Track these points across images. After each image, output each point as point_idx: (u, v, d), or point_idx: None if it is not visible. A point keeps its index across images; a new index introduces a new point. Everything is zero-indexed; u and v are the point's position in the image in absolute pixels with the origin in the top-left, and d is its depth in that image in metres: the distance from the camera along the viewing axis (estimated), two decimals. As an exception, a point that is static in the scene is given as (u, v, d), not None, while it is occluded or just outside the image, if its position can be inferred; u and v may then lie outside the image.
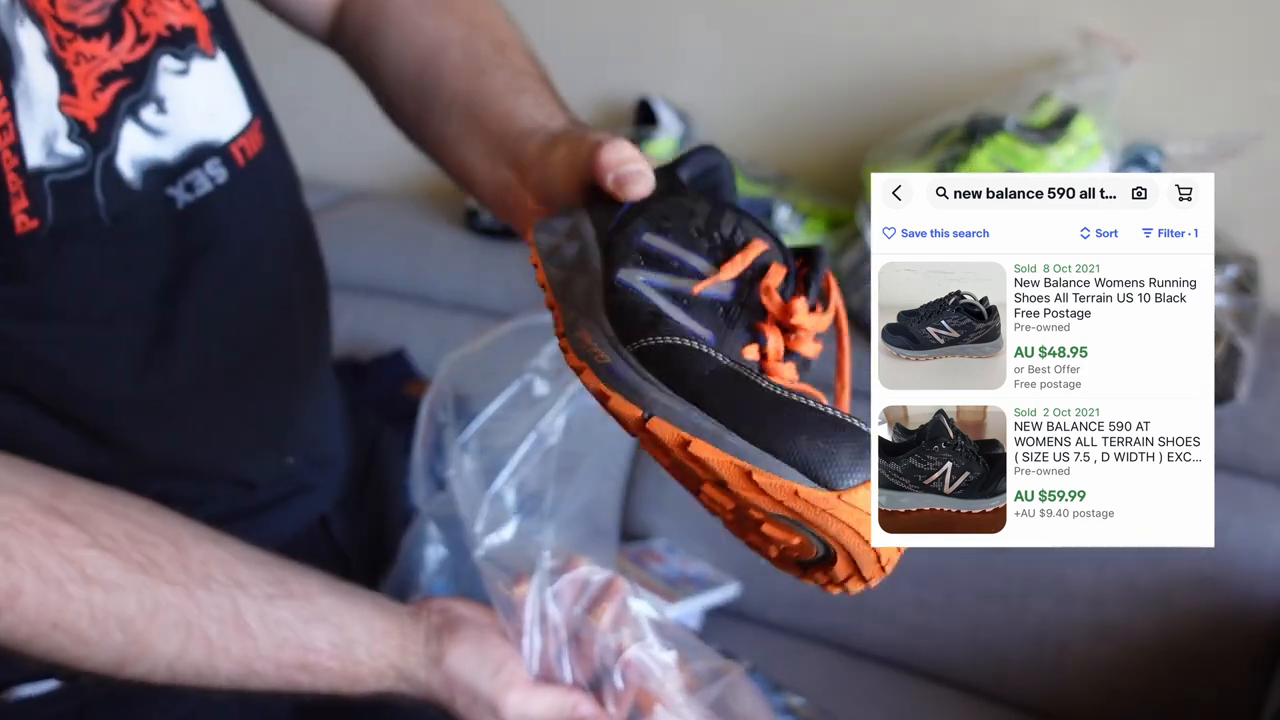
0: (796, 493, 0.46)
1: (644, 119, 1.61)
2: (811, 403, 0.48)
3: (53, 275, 0.63)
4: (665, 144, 1.57)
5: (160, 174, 0.70)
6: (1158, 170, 1.29)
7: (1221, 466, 1.23)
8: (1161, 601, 1.21)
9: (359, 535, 0.92)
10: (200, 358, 0.73)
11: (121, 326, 0.68)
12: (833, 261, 1.44)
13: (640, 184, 0.56)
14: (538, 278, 0.60)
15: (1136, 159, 1.30)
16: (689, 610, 1.36)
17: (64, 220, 0.63)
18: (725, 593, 1.40)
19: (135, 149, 0.68)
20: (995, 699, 1.31)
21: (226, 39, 0.77)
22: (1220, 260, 1.22)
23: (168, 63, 0.71)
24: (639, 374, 0.51)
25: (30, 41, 0.62)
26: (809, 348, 0.55)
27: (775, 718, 0.74)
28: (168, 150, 0.70)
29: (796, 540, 0.52)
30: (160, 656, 0.59)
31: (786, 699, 1.20)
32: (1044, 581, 1.26)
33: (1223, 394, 1.14)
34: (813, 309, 0.55)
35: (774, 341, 0.54)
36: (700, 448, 0.48)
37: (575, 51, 1.75)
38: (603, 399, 0.52)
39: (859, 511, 0.47)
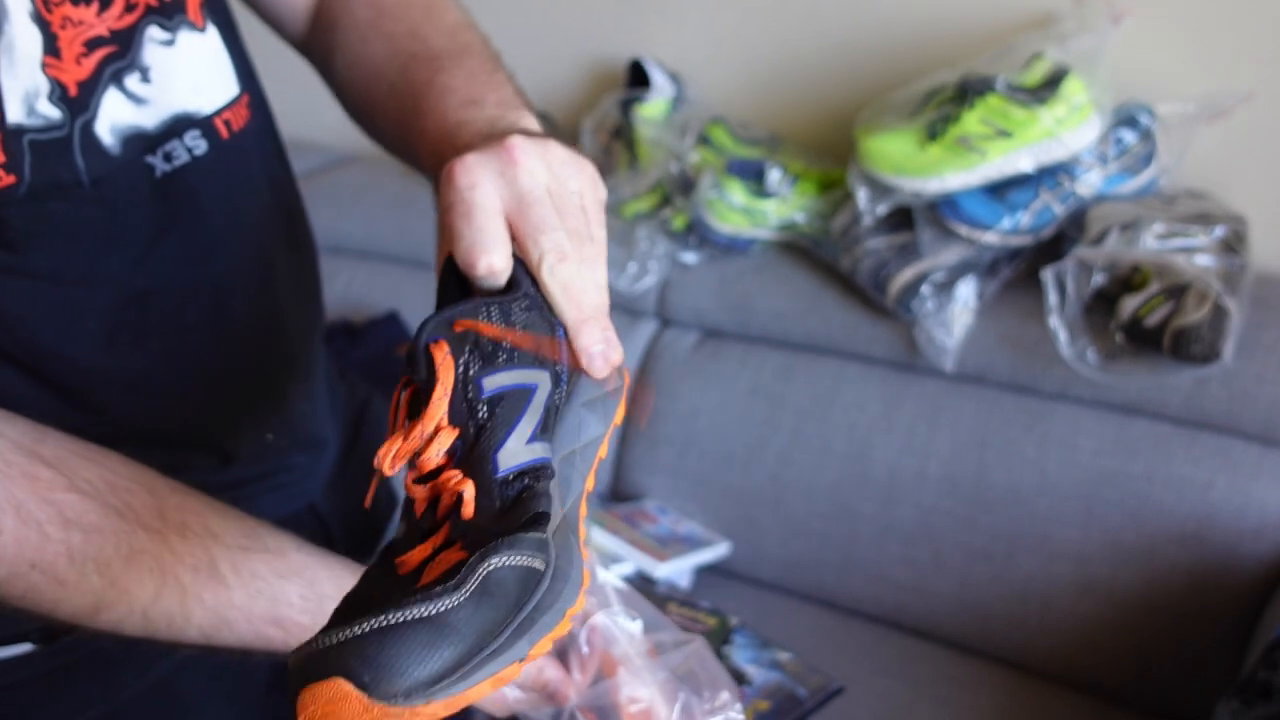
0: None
1: (637, 80, 1.60)
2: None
3: (28, 234, 0.64)
4: (658, 105, 1.57)
5: (140, 142, 0.70)
6: (1148, 131, 1.29)
7: (1206, 425, 1.24)
8: (1145, 558, 1.23)
9: (348, 512, 0.92)
10: (173, 327, 0.73)
11: (94, 290, 0.69)
12: (824, 223, 1.44)
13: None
14: None
15: (1127, 119, 1.30)
16: (680, 568, 1.38)
17: (42, 180, 0.63)
18: (716, 551, 1.42)
19: (115, 116, 0.68)
20: (981, 654, 1.33)
21: (218, 12, 0.77)
22: (1209, 220, 1.23)
23: (154, 32, 0.71)
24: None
25: (16, 2, 0.62)
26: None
27: (735, 685, 0.73)
28: (149, 119, 0.70)
29: None
30: (135, 601, 0.59)
31: (775, 654, 1.22)
32: (1029, 540, 1.28)
33: (1209, 354, 1.15)
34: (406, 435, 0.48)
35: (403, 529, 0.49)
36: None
37: (568, 14, 1.74)
38: None
39: None
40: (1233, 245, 1.21)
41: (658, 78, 1.58)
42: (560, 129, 1.78)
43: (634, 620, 0.72)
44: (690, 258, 1.53)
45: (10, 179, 0.62)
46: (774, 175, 1.45)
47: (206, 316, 0.75)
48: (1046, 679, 1.29)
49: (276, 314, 0.83)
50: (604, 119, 1.61)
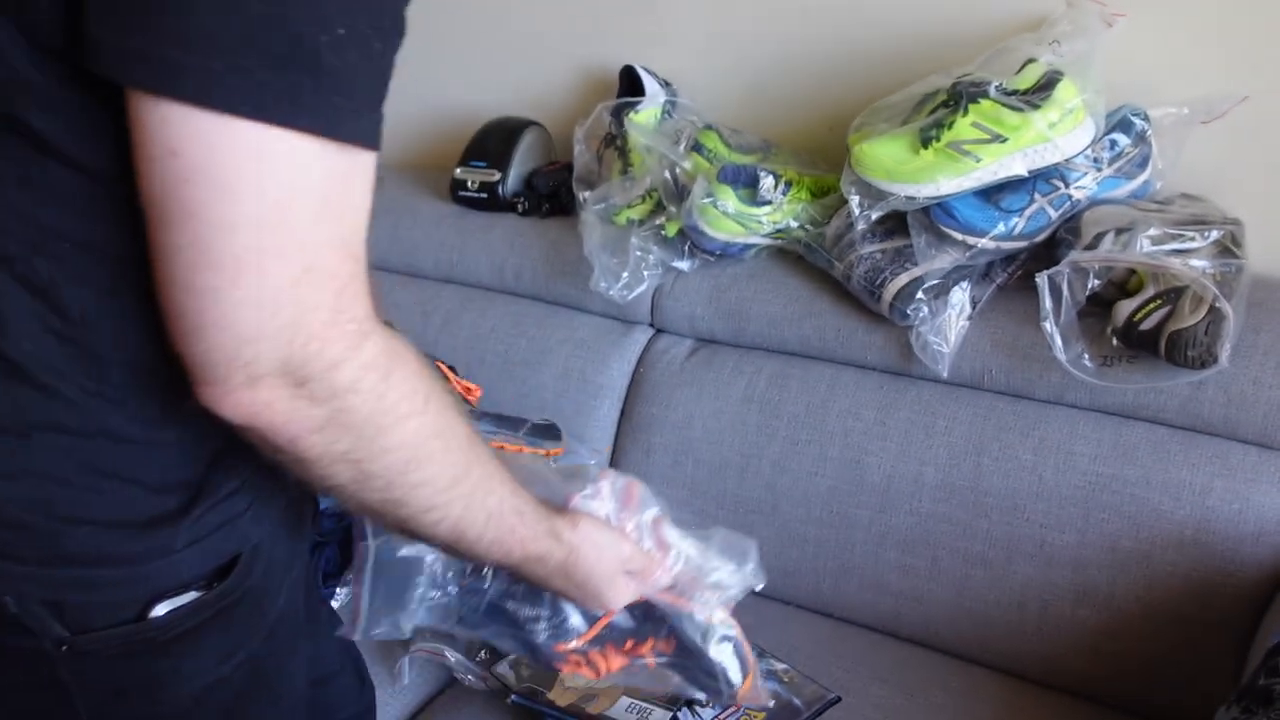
0: None
1: (629, 88, 1.60)
2: None
3: None
4: (651, 112, 1.56)
5: None
6: (1142, 135, 1.29)
7: (1204, 430, 1.24)
8: (1143, 564, 1.22)
9: None
10: None
11: None
12: (818, 229, 1.44)
13: None
14: None
15: (1121, 123, 1.29)
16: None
17: None
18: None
19: None
20: (979, 662, 1.32)
21: None
22: (1204, 223, 1.22)
23: None
24: None
25: None
26: None
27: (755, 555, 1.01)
28: None
29: None
30: (460, 491, 0.72)
31: (771, 664, 1.21)
32: (1027, 546, 1.27)
33: (1205, 358, 1.14)
34: None
35: None
36: None
37: (561, 21, 1.74)
38: None
39: None
40: (1228, 248, 1.20)
41: (650, 85, 1.58)
42: (553, 136, 1.77)
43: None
44: (684, 265, 1.52)
45: None
46: (767, 182, 1.45)
47: None
48: (1044, 686, 1.28)
49: None
50: (596, 126, 1.60)
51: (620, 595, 0.89)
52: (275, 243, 0.56)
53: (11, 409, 0.64)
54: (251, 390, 0.59)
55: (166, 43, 0.53)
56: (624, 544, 0.90)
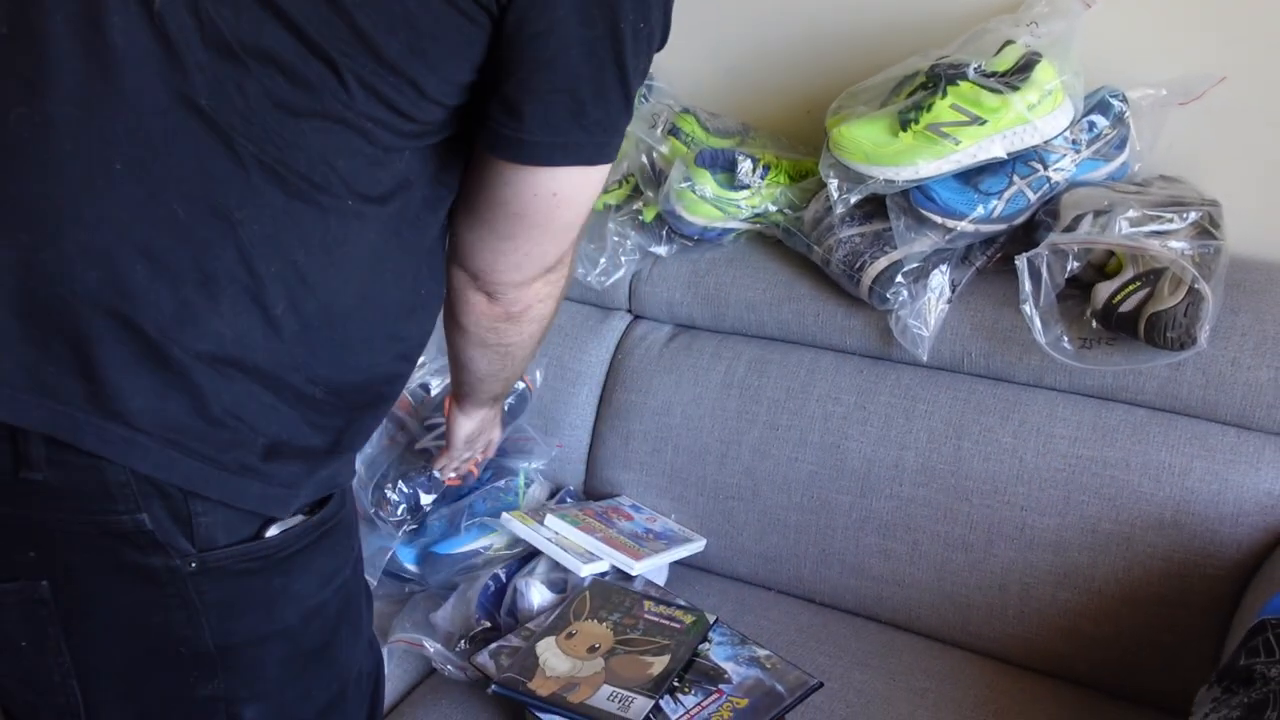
0: None
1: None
2: None
3: None
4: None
5: None
6: (1120, 116, 1.29)
7: (1183, 411, 1.24)
8: (1123, 545, 1.22)
9: None
10: None
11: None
12: (797, 214, 1.43)
13: None
14: None
15: (1099, 104, 1.29)
16: (656, 565, 1.36)
17: None
18: (692, 547, 1.40)
19: None
20: (960, 645, 1.32)
21: None
22: (1182, 205, 1.22)
23: None
24: None
25: None
26: None
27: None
28: None
29: None
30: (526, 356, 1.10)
31: (753, 651, 1.20)
32: (1007, 529, 1.27)
33: (1184, 339, 1.14)
34: None
35: None
36: None
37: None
38: None
39: None
40: (1207, 230, 1.20)
41: (626, 68, 1.56)
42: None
43: None
44: (661, 250, 1.51)
45: None
46: (745, 165, 1.44)
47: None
48: (1026, 668, 1.28)
49: None
50: (572, 110, 1.58)
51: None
52: (578, 226, 0.93)
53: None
54: (531, 284, 0.96)
55: (574, 134, 0.83)
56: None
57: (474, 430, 1.28)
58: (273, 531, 0.82)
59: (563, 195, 0.87)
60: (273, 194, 0.76)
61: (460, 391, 1.20)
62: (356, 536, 0.93)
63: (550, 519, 1.36)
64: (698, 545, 1.41)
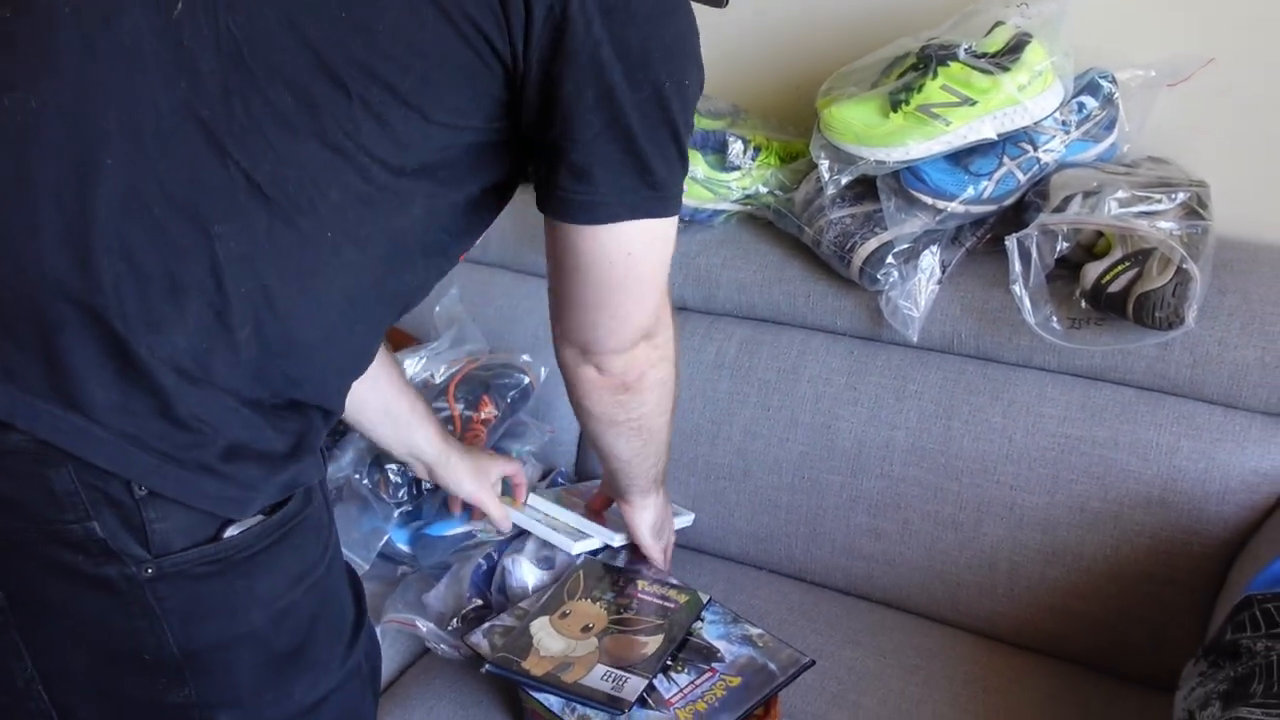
0: None
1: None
2: None
3: None
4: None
5: None
6: (1109, 97, 1.29)
7: (1170, 390, 1.25)
8: (1111, 523, 1.23)
9: None
10: None
11: None
12: (787, 195, 1.43)
13: None
14: None
15: (1089, 85, 1.29)
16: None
17: None
18: (680, 521, 1.41)
19: None
20: (950, 623, 1.33)
21: None
22: (1170, 185, 1.23)
23: None
24: None
25: None
26: None
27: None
28: None
29: None
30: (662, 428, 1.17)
31: (745, 629, 1.21)
32: (997, 508, 1.28)
33: (1173, 319, 1.15)
34: None
35: None
36: None
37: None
38: None
39: None
40: (1195, 210, 1.21)
41: (616, 49, 1.56)
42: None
43: None
44: (653, 231, 1.51)
45: None
46: (736, 147, 1.44)
47: None
48: (1015, 646, 1.30)
49: None
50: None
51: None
52: (660, 281, 0.97)
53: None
54: (633, 349, 1.00)
55: (641, 191, 0.87)
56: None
57: (655, 520, 1.29)
58: (231, 532, 0.81)
59: (636, 253, 0.91)
60: (256, 214, 0.75)
61: (620, 487, 1.23)
62: (329, 535, 0.92)
63: (534, 498, 1.36)
64: (686, 519, 1.42)
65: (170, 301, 0.74)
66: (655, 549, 1.31)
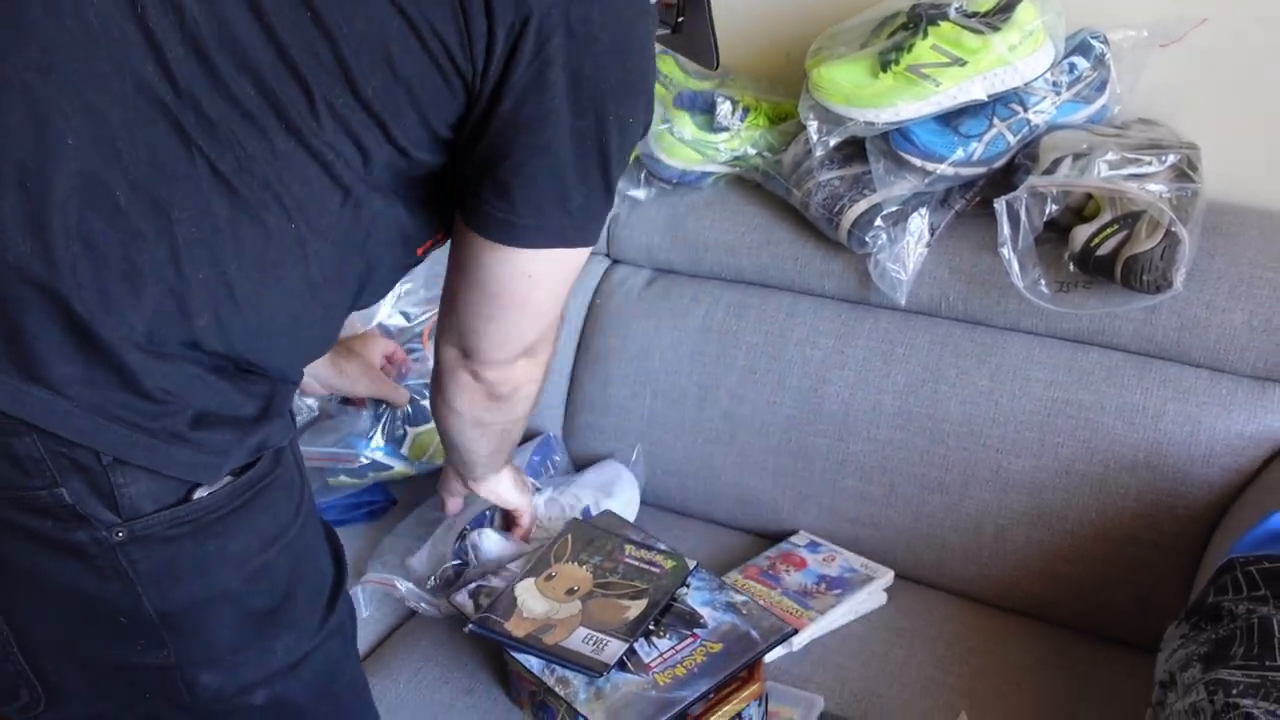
0: None
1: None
2: None
3: None
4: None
5: None
6: (1101, 58, 1.28)
7: (1157, 354, 1.25)
8: (1097, 487, 1.23)
9: None
10: None
11: None
12: (776, 156, 1.42)
13: None
14: None
15: (1080, 46, 1.28)
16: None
17: None
18: (874, 588, 1.31)
19: None
20: (936, 586, 1.34)
21: None
22: (1160, 148, 1.22)
23: None
24: None
25: None
26: None
27: None
28: None
29: None
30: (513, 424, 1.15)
31: (730, 596, 1.21)
32: (983, 471, 1.28)
33: (1160, 282, 1.15)
34: None
35: None
36: None
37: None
38: None
39: None
40: (1185, 173, 1.20)
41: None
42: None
43: None
44: (640, 194, 1.50)
45: None
46: (724, 107, 1.42)
47: None
48: (1001, 609, 1.30)
49: None
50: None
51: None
52: (557, 306, 0.98)
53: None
54: (514, 363, 1.01)
55: (557, 219, 0.87)
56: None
57: (513, 479, 1.29)
58: (200, 494, 0.81)
59: (538, 277, 0.91)
60: (219, 202, 0.75)
61: (476, 474, 1.23)
62: (302, 495, 0.91)
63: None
64: (882, 584, 1.31)
65: (126, 285, 0.73)
66: (526, 511, 1.32)
